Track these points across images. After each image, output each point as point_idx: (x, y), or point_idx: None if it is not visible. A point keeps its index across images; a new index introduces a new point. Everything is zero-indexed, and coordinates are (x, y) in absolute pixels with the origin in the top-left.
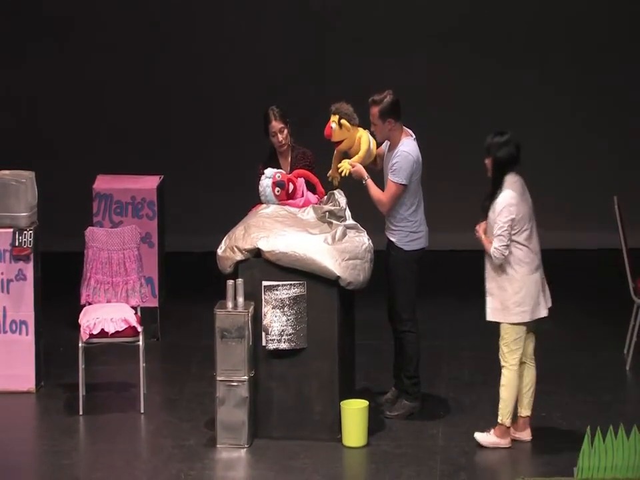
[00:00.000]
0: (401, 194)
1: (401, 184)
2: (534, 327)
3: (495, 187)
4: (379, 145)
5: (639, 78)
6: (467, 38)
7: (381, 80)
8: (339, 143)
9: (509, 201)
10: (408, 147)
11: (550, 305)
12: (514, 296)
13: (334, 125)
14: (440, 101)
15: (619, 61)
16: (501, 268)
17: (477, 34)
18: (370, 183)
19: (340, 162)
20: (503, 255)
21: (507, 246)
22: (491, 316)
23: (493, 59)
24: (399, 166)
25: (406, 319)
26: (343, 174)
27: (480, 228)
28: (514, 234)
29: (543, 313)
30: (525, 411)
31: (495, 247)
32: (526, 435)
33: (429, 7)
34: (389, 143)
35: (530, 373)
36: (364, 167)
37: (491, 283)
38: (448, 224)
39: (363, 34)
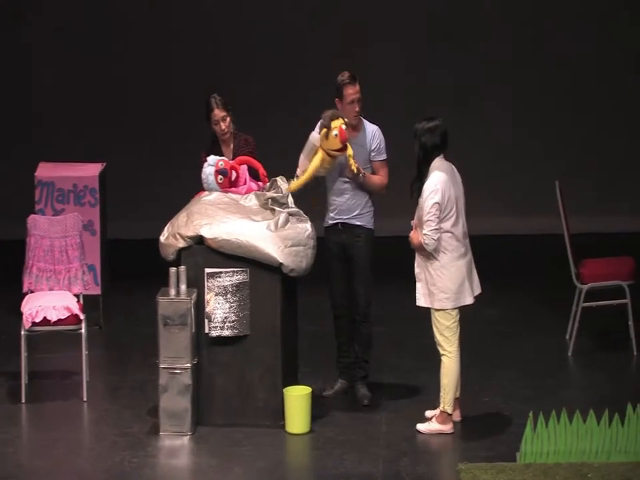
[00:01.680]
0: None
1: (386, 159)
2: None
3: (420, 172)
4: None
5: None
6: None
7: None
8: (345, 146)
9: (435, 185)
10: (372, 124)
11: (478, 291)
12: (438, 282)
13: (344, 127)
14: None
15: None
16: (426, 254)
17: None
18: (368, 174)
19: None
20: (434, 239)
21: (437, 230)
22: (420, 301)
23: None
24: (383, 144)
25: (369, 307)
26: (358, 172)
27: (414, 235)
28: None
29: (469, 300)
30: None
31: (424, 232)
32: (456, 416)
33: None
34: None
35: None
36: (327, 174)
37: (418, 268)
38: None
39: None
